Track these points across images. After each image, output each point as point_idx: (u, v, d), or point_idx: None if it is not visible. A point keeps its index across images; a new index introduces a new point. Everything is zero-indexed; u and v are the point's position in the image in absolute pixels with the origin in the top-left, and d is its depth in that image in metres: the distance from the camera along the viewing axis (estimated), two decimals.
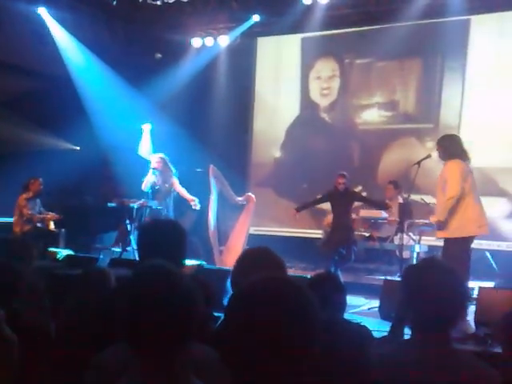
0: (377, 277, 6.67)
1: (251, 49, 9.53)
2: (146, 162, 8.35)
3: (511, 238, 7.53)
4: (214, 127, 9.12)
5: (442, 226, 4.80)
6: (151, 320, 1.26)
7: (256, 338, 1.09)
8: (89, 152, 8.92)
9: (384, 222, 7.12)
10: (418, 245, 6.49)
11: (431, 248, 6.47)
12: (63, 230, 7.88)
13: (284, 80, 9.37)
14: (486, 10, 7.84)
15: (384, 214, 6.97)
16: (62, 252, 6.79)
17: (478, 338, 3.90)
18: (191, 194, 7.18)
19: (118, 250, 7.40)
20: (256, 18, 8.83)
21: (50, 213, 7.80)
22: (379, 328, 4.03)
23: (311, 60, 9.15)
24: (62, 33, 8.68)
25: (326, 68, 9.08)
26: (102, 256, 6.44)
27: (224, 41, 9.31)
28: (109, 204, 7.51)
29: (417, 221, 6.62)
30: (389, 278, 5.68)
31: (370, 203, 7.22)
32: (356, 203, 7.10)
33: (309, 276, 4.60)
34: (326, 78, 9.08)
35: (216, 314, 2.72)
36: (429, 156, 5.17)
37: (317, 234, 7.95)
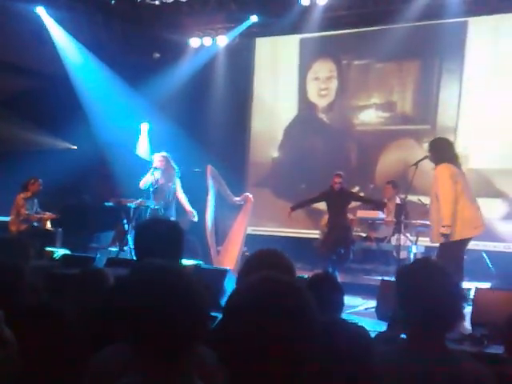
0: (374, 277, 6.68)
1: (249, 49, 9.54)
2: (144, 162, 8.34)
3: (508, 239, 7.56)
4: (211, 127, 9.12)
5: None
6: (160, 319, 1.24)
7: (254, 338, 1.09)
8: (86, 151, 8.90)
9: (381, 223, 7.14)
10: (415, 245, 6.51)
11: (428, 248, 6.49)
12: (60, 229, 7.87)
13: (282, 80, 9.38)
14: (483, 12, 7.87)
15: (381, 214, 6.98)
16: (59, 251, 6.78)
17: (474, 338, 3.91)
18: (189, 193, 7.18)
19: (115, 249, 7.39)
20: (254, 18, 8.83)
21: (47, 213, 7.79)
22: (376, 328, 4.03)
23: (309, 61, 9.16)
24: (60, 32, 8.68)
25: (323, 69, 9.10)
26: (98, 255, 6.42)
27: (222, 41, 9.31)
28: (106, 203, 7.50)
29: (414, 221, 6.64)
30: (386, 278, 5.69)
31: (367, 202, 7.24)
32: (353, 204, 7.11)
33: (306, 276, 4.61)
34: (323, 79, 9.09)
35: (213, 314, 2.73)
36: (426, 157, 5.17)
37: (314, 234, 7.96)
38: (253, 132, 9.58)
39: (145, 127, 9.81)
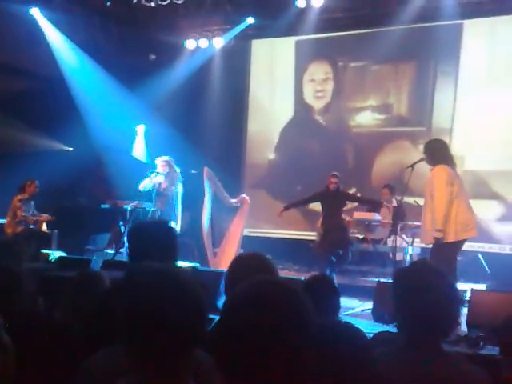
0: (370, 279, 6.69)
1: (245, 51, 9.54)
2: (140, 164, 8.34)
3: (503, 241, 7.58)
4: (208, 129, 9.12)
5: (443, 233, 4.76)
6: (156, 322, 1.23)
7: (251, 341, 1.09)
8: (82, 153, 8.89)
9: (377, 225, 7.15)
10: (411, 247, 6.53)
11: (424, 250, 6.50)
12: (56, 231, 7.84)
13: (278, 82, 9.39)
14: (478, 14, 7.91)
15: (377, 216, 7.00)
16: (55, 254, 6.76)
17: (470, 340, 3.92)
18: (185, 195, 7.17)
19: (111, 251, 7.38)
20: (250, 20, 8.85)
21: (44, 215, 7.76)
22: (372, 330, 4.04)
23: (305, 63, 9.18)
24: (56, 33, 8.67)
25: (319, 71, 9.12)
26: (95, 258, 6.40)
27: (218, 43, 9.31)
28: (102, 205, 7.49)
29: (410, 223, 6.66)
30: (382, 280, 5.70)
31: (363, 202, 7.26)
32: (350, 205, 7.11)
33: (303, 278, 4.61)
34: (319, 81, 9.11)
35: (210, 316, 2.72)
36: (422, 159, 5.18)
37: (311, 235, 7.96)
38: (249, 134, 9.59)
39: (141, 129, 9.80)
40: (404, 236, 6.59)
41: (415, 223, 6.40)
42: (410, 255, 6.44)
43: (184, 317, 1.24)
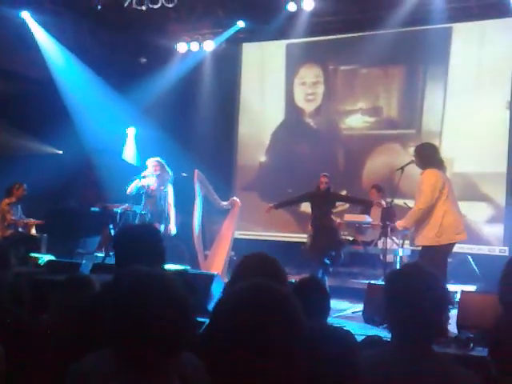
0: (361, 281, 6.71)
1: (236, 54, 9.56)
2: (131, 167, 8.30)
3: (492, 242, 7.64)
4: (199, 132, 9.12)
5: (408, 231, 4.93)
6: (144, 326, 1.23)
7: (240, 345, 1.09)
8: (72, 156, 8.84)
9: (368, 227, 7.17)
10: (402, 249, 6.55)
11: (414, 252, 6.53)
12: (45, 235, 7.78)
13: (269, 85, 9.41)
14: (467, 18, 7.98)
15: (368, 218, 7.02)
16: (44, 257, 6.71)
17: (460, 341, 3.94)
18: (176, 198, 7.15)
19: (101, 255, 7.34)
20: (241, 24, 8.86)
21: (31, 219, 7.71)
22: (363, 332, 4.05)
23: (296, 66, 9.21)
24: (46, 37, 8.62)
25: (310, 74, 9.15)
26: (84, 261, 6.37)
27: (209, 46, 9.31)
28: (92, 208, 7.45)
29: None
30: (373, 282, 5.71)
31: (354, 202, 7.30)
32: (340, 208, 7.13)
33: (293, 280, 4.61)
34: (310, 84, 9.14)
35: (200, 319, 2.71)
36: (412, 162, 5.21)
37: (302, 238, 7.97)
38: (240, 136, 9.60)
39: (131, 132, 9.78)
40: (394, 238, 6.60)
41: None
42: (401, 257, 6.46)
43: (171, 320, 1.24)
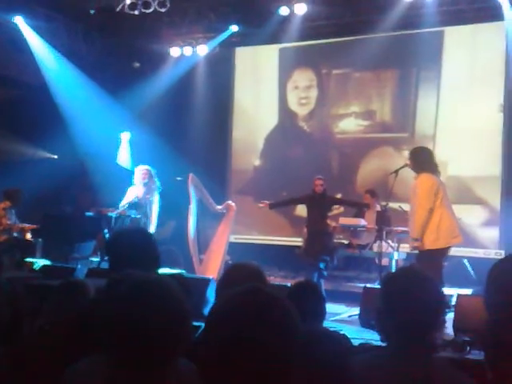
0: (357, 284, 6.71)
1: (229, 58, 9.57)
2: (125, 171, 8.28)
3: (488, 245, 7.66)
4: (193, 136, 9.12)
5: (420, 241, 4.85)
6: (139, 331, 1.22)
7: (235, 350, 1.09)
8: (66, 161, 8.81)
9: (363, 230, 7.18)
10: (397, 252, 6.56)
11: (409, 255, 6.54)
12: (40, 239, 7.75)
13: (262, 89, 9.42)
14: (459, 22, 8.02)
15: (363, 221, 7.03)
16: (39, 262, 6.67)
17: (456, 344, 3.94)
18: (171, 202, 7.15)
19: (96, 259, 7.31)
20: (234, 28, 8.87)
21: (25, 224, 7.67)
22: (359, 336, 4.05)
23: (289, 70, 9.23)
24: (39, 42, 8.60)
25: (303, 78, 9.17)
26: (79, 266, 6.34)
27: (202, 50, 9.32)
28: (87, 213, 7.42)
29: (395, 228, 6.70)
30: (368, 285, 5.72)
31: (349, 204, 7.33)
32: (336, 211, 7.14)
33: (289, 284, 4.61)
34: (303, 88, 9.16)
35: (196, 324, 2.70)
36: (406, 165, 5.23)
37: (297, 242, 7.97)
38: (234, 140, 9.60)
39: (126, 136, 9.76)
40: (389, 241, 6.62)
41: (400, 228, 6.44)
42: (396, 260, 6.47)
43: (166, 326, 1.23)
